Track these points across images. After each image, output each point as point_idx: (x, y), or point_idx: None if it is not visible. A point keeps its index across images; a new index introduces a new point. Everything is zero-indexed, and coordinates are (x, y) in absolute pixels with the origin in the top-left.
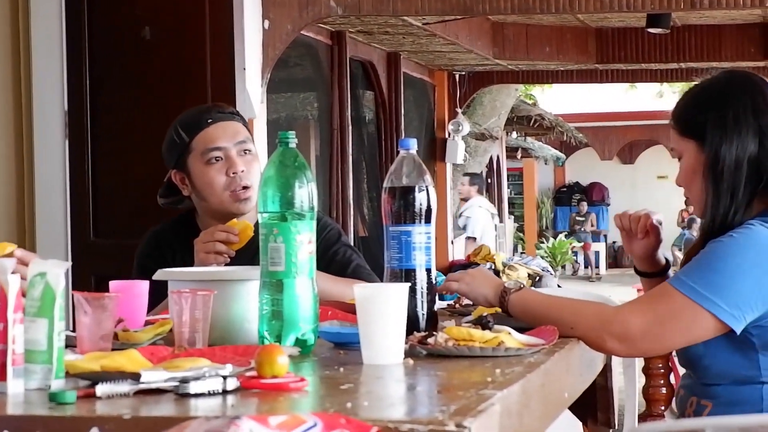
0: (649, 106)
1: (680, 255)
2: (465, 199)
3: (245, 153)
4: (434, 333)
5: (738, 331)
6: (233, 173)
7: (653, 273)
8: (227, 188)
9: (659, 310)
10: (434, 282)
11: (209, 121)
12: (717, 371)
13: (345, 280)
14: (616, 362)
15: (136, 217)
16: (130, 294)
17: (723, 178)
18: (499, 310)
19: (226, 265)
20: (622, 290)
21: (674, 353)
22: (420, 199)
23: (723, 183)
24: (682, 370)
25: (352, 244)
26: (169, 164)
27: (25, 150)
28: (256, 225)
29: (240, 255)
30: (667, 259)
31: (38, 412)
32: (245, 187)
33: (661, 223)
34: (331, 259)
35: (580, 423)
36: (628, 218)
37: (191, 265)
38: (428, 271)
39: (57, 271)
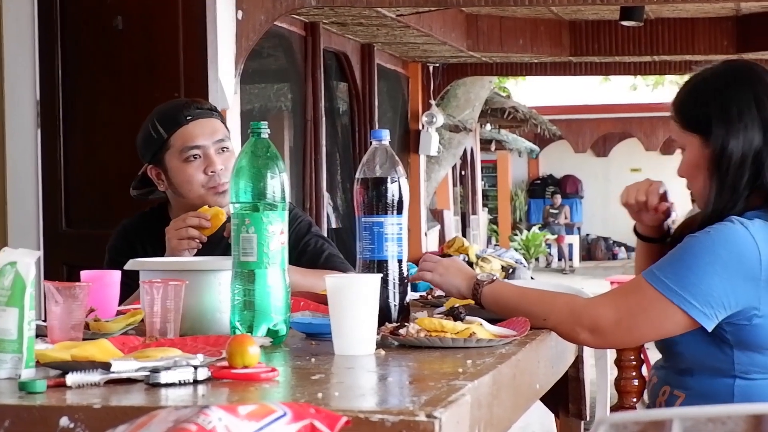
0: (623, 99)
1: None
2: None
3: (223, 151)
4: (406, 324)
5: (709, 329)
6: (211, 172)
7: (654, 239)
8: (205, 185)
9: (630, 303)
10: (406, 273)
11: (188, 117)
12: (691, 359)
13: (316, 271)
14: (588, 354)
15: (108, 206)
16: (102, 284)
17: (728, 174)
18: (471, 302)
19: (198, 252)
20: (595, 282)
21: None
22: (392, 190)
23: (728, 178)
24: (653, 360)
25: (325, 235)
26: (144, 158)
27: None
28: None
29: (212, 243)
30: (668, 227)
31: (8, 402)
32: (222, 185)
33: (667, 193)
34: (303, 249)
35: (552, 414)
36: (635, 192)
37: (162, 257)
38: (400, 262)
39: (27, 260)
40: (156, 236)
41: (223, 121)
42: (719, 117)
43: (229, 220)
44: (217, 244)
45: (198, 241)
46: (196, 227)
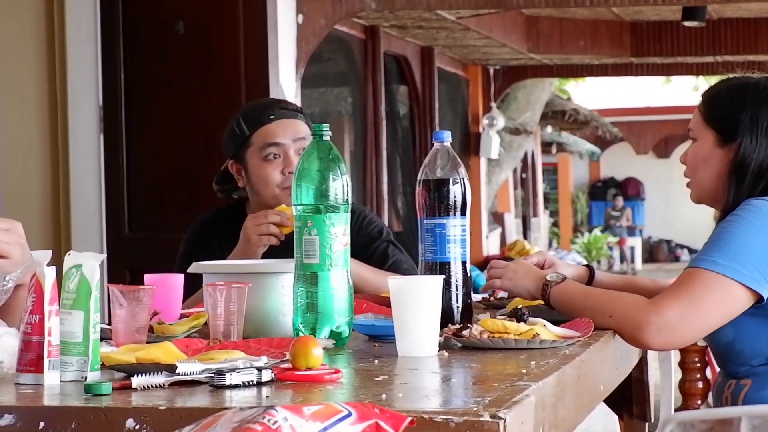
0: (685, 101)
1: None
2: None
3: (302, 151)
4: (469, 325)
5: (765, 295)
6: (289, 172)
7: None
8: (281, 185)
9: (690, 291)
10: (469, 275)
11: (271, 117)
12: (751, 353)
13: (382, 271)
14: (652, 356)
15: (171, 210)
16: (165, 287)
17: (745, 181)
18: (541, 302)
19: (269, 251)
20: None
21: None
22: (454, 191)
23: (744, 185)
24: (718, 368)
25: (395, 240)
26: (227, 154)
27: (61, 145)
28: None
29: (283, 244)
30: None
31: (74, 404)
32: None
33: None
34: (371, 254)
35: (616, 416)
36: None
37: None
38: (463, 263)
39: (92, 263)
40: (232, 233)
41: (308, 123)
42: (749, 126)
43: None
44: (283, 247)
45: (276, 237)
46: (277, 224)
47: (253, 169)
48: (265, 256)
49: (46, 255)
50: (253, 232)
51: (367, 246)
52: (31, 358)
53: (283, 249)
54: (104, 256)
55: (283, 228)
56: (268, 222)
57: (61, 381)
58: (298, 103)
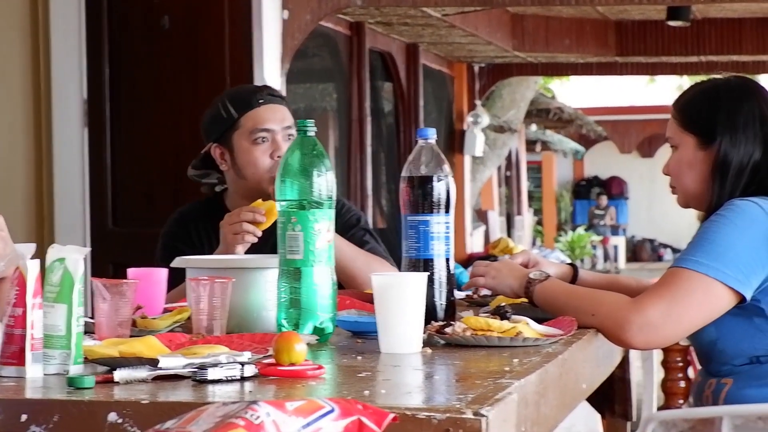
0: (669, 100)
1: None
2: None
3: (290, 138)
4: (452, 323)
5: (747, 296)
6: (278, 156)
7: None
8: (269, 170)
9: (673, 291)
10: (452, 272)
11: (260, 101)
12: (733, 352)
13: (360, 250)
14: (635, 355)
15: (155, 205)
16: (149, 281)
17: (727, 179)
18: (524, 300)
19: (251, 246)
20: None
21: (691, 347)
22: (438, 188)
23: (726, 183)
24: (699, 367)
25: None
26: (209, 137)
27: (44, 138)
28: None
29: (263, 238)
30: (571, 263)
31: (57, 397)
32: None
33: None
34: (348, 240)
35: (598, 414)
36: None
37: (217, 245)
38: (447, 261)
39: (76, 256)
40: (211, 224)
41: (290, 110)
42: (725, 125)
43: None
44: (267, 239)
45: (253, 235)
46: (250, 222)
47: (240, 152)
48: (255, 247)
49: (30, 248)
50: (228, 231)
51: (344, 233)
52: (13, 350)
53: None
54: (88, 249)
55: (258, 225)
56: (242, 221)
57: (43, 374)
58: None
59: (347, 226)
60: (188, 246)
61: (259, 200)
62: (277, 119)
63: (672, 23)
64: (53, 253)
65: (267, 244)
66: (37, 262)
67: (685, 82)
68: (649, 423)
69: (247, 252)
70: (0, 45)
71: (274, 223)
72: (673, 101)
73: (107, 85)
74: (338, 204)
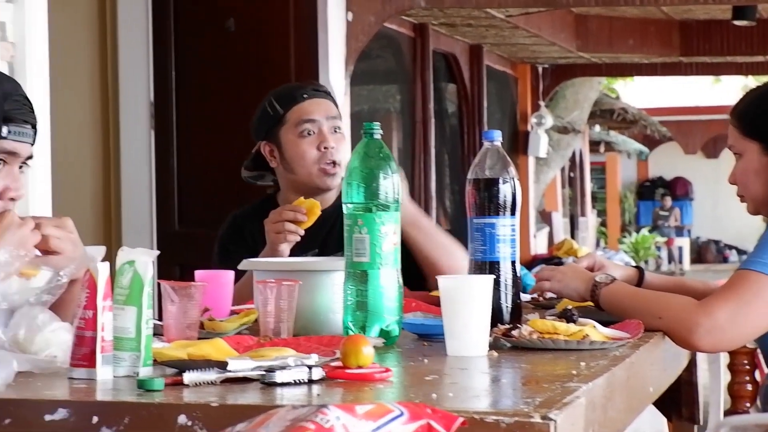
0: (734, 100)
1: None
2: None
3: (336, 131)
4: (518, 325)
5: None
6: (324, 148)
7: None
8: (317, 162)
9: (740, 294)
10: (518, 275)
11: (305, 96)
12: None
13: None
14: (701, 358)
15: (221, 206)
16: (216, 283)
17: None
18: (590, 304)
19: (296, 245)
20: None
21: (758, 349)
22: (504, 191)
23: None
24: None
25: None
26: (258, 136)
27: (112, 141)
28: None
29: (309, 237)
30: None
31: (127, 399)
32: (334, 163)
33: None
34: None
35: (665, 418)
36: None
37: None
38: (513, 263)
39: (145, 259)
40: (263, 228)
41: (337, 105)
42: None
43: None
44: (313, 238)
45: (295, 234)
46: (292, 221)
47: (288, 146)
48: (301, 246)
49: (100, 251)
50: (271, 230)
51: None
52: (84, 353)
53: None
54: (157, 252)
55: (300, 223)
56: (283, 220)
57: (113, 376)
58: (347, 100)
59: None
60: (242, 247)
61: (301, 198)
62: (322, 111)
63: (737, 23)
64: (123, 255)
65: (314, 242)
66: (106, 264)
67: (750, 82)
68: (721, 428)
69: (292, 251)
70: (69, 48)
71: (320, 222)
72: (730, 110)
73: (173, 88)
74: None
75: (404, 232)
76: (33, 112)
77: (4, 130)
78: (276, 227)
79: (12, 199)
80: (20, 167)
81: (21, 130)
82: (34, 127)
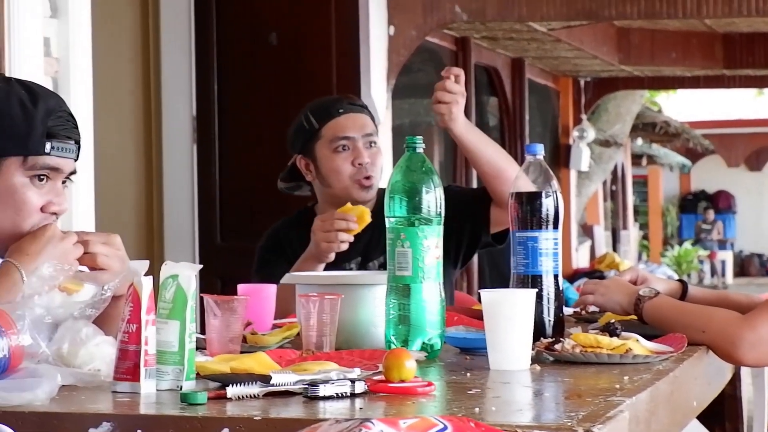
0: None
1: None
2: None
3: (371, 145)
4: (561, 339)
5: None
6: (359, 163)
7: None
8: (352, 177)
9: None
10: (561, 288)
11: (340, 111)
12: None
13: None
14: (745, 372)
15: (263, 220)
16: (258, 297)
17: None
18: (633, 317)
19: (338, 254)
20: None
21: None
22: (547, 204)
23: None
24: None
25: None
26: (294, 149)
27: (154, 154)
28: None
29: (352, 244)
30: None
31: (170, 413)
32: (368, 178)
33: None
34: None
35: None
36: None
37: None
38: (555, 277)
39: (188, 273)
40: (303, 237)
41: (373, 119)
42: None
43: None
44: (354, 246)
45: (346, 242)
46: (344, 230)
47: (323, 161)
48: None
49: (144, 265)
50: (321, 239)
51: (469, 193)
52: (128, 366)
53: (362, 247)
54: (200, 266)
55: (350, 231)
56: (335, 230)
57: (157, 390)
58: (389, 114)
59: (466, 190)
60: (281, 258)
61: (348, 204)
62: (357, 127)
63: None
64: (166, 269)
65: (355, 251)
66: (150, 278)
67: None
68: None
69: (337, 256)
70: (112, 63)
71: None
72: None
73: (216, 102)
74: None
75: (465, 137)
76: (77, 128)
77: (48, 146)
78: (327, 236)
79: (54, 213)
80: (63, 182)
81: (64, 146)
82: (77, 143)
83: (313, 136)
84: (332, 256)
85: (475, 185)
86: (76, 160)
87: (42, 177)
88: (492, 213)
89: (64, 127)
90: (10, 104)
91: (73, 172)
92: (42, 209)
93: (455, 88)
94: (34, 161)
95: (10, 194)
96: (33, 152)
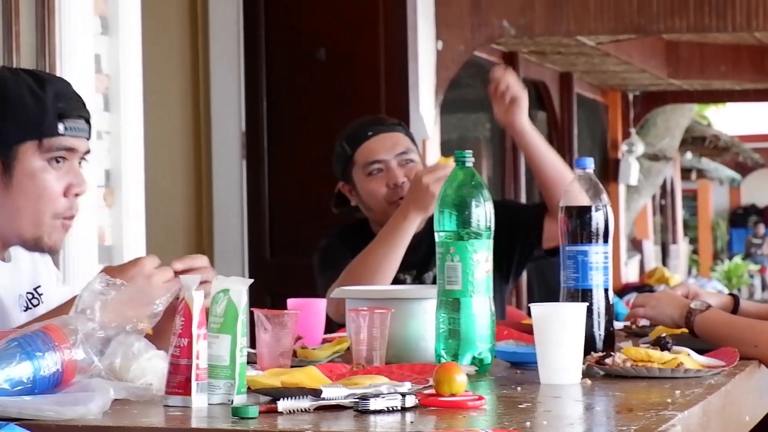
0: None
1: None
2: None
3: (407, 163)
4: (612, 353)
5: None
6: (393, 185)
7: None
8: (388, 199)
9: None
10: (611, 302)
11: (369, 134)
12: None
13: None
14: None
15: (312, 236)
16: (308, 312)
17: None
18: (685, 331)
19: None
20: None
21: None
22: (597, 218)
23: None
24: None
25: None
26: (337, 176)
27: (204, 171)
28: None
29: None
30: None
31: (221, 426)
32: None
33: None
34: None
35: None
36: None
37: None
38: (605, 291)
39: (239, 287)
40: (357, 249)
41: (408, 134)
42: None
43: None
44: (412, 253)
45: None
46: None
47: (360, 185)
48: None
49: (195, 279)
50: (429, 177)
51: (519, 209)
52: (179, 380)
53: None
54: (251, 280)
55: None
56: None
57: (208, 404)
58: (437, 129)
59: (518, 206)
60: (347, 256)
61: (441, 157)
62: (388, 148)
63: None
64: (217, 284)
65: (412, 260)
66: (201, 293)
67: None
68: None
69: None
70: (162, 80)
71: (414, 245)
72: None
73: (265, 117)
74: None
75: (530, 135)
76: (86, 107)
77: (61, 127)
78: (437, 174)
79: (77, 195)
80: (79, 163)
81: (77, 126)
82: (88, 122)
83: (349, 162)
84: (434, 207)
85: (524, 200)
86: (88, 139)
87: (59, 159)
88: (547, 226)
89: (74, 107)
90: (20, 92)
91: (88, 152)
92: (65, 194)
93: (518, 84)
94: (50, 143)
95: (30, 180)
96: (48, 134)
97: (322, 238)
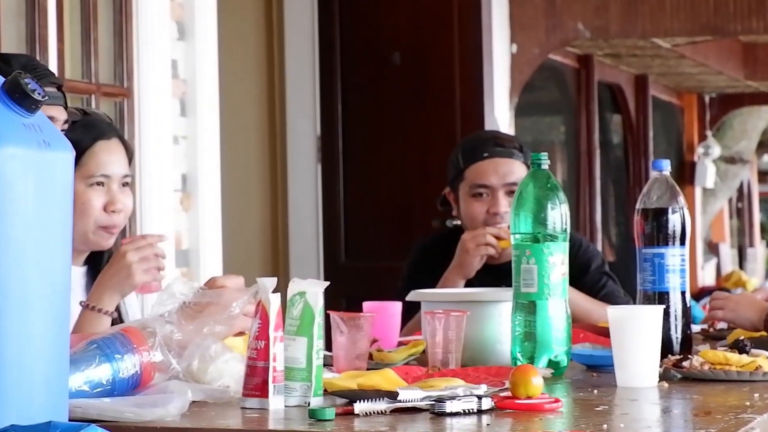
0: None
1: None
2: None
3: (512, 193)
4: (689, 356)
5: None
6: (494, 213)
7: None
8: (485, 223)
9: None
10: (688, 305)
11: (485, 155)
12: None
13: (595, 301)
14: None
15: (387, 239)
16: (384, 314)
17: None
18: (764, 334)
19: (485, 270)
20: None
21: None
22: (673, 220)
23: None
24: None
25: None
26: (447, 180)
27: (279, 174)
28: None
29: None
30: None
31: (299, 428)
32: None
33: None
34: (585, 283)
35: None
36: None
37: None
38: (683, 294)
39: (316, 290)
40: (450, 256)
41: (526, 160)
42: None
43: None
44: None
45: (493, 248)
46: (494, 235)
47: (462, 201)
48: (491, 273)
49: (272, 282)
50: (471, 242)
51: (582, 274)
52: (256, 383)
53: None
54: (327, 283)
55: (501, 241)
56: (486, 233)
57: (285, 406)
58: (512, 132)
59: (585, 267)
60: (430, 277)
61: (504, 241)
62: (499, 174)
63: None
64: (294, 286)
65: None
66: (277, 295)
67: None
68: None
69: (480, 273)
70: (237, 84)
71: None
72: None
73: (340, 122)
74: (575, 244)
75: None
76: (54, 75)
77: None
78: (477, 239)
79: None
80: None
81: (51, 93)
82: (59, 88)
83: (459, 175)
84: (476, 266)
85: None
86: (66, 108)
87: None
88: None
89: (43, 75)
90: None
91: (66, 121)
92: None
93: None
94: None
95: None
96: None
97: (421, 238)
